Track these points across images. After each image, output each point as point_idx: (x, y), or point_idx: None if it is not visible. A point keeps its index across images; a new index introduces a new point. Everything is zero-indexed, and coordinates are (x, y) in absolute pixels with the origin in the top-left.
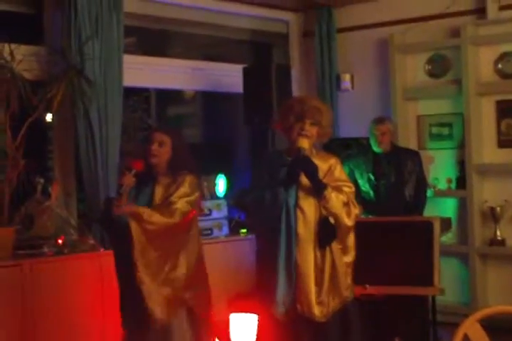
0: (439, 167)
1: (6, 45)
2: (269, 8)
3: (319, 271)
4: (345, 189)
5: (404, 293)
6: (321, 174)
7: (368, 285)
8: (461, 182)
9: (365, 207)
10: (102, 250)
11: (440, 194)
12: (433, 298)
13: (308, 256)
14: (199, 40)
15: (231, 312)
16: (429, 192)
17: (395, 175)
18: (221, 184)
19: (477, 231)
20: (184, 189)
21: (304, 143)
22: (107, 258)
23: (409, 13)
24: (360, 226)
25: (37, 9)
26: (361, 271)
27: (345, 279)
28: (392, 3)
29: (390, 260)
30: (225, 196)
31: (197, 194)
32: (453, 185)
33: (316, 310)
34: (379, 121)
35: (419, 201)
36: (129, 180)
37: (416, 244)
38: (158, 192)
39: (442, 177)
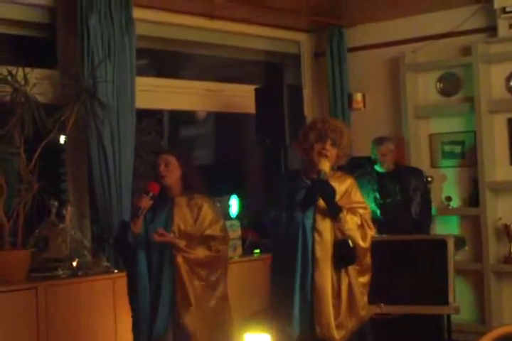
0: (452, 185)
1: (20, 69)
2: (280, 29)
3: (336, 292)
4: (360, 211)
5: (419, 312)
6: (337, 196)
7: (382, 305)
8: (475, 200)
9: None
10: (115, 271)
11: (453, 212)
12: (448, 316)
13: (326, 278)
14: (211, 62)
15: (245, 332)
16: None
17: (400, 193)
18: (234, 204)
19: (491, 249)
20: (209, 216)
21: (325, 166)
22: (121, 280)
23: (420, 32)
24: (373, 245)
25: (50, 33)
26: (376, 290)
27: (362, 299)
28: (402, 22)
29: (405, 279)
30: (238, 216)
31: (222, 219)
32: (466, 203)
33: (336, 333)
34: (379, 142)
35: (425, 218)
36: (147, 203)
37: (430, 263)
38: (179, 213)
39: (455, 195)
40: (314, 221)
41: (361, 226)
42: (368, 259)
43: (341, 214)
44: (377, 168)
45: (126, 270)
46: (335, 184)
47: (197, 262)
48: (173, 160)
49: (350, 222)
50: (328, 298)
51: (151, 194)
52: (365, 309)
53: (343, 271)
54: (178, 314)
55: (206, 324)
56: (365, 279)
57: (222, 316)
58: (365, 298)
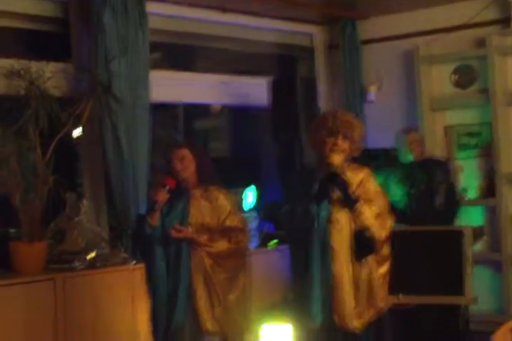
0: (469, 176)
1: (35, 63)
2: (293, 22)
3: (356, 282)
4: (378, 200)
5: (437, 302)
6: (353, 187)
7: (401, 295)
8: (491, 190)
9: (396, 217)
10: (133, 263)
11: (470, 203)
12: (466, 306)
13: (344, 268)
14: (225, 55)
15: (263, 323)
16: None
17: (424, 184)
18: (250, 196)
19: (509, 239)
20: (227, 207)
21: (336, 160)
22: (139, 271)
23: (434, 24)
24: (391, 236)
25: (64, 27)
26: (394, 281)
27: (381, 290)
28: (416, 14)
29: (423, 269)
30: (255, 208)
31: (239, 209)
32: (483, 194)
33: (355, 322)
34: (406, 131)
35: (450, 210)
36: (163, 196)
37: (448, 254)
38: (195, 205)
39: (472, 186)
40: (330, 212)
41: (379, 216)
42: (387, 249)
43: (358, 205)
44: (403, 158)
45: (145, 263)
46: (350, 175)
47: (219, 255)
48: (187, 153)
49: (368, 212)
50: (347, 287)
51: (167, 187)
52: (383, 301)
53: (362, 261)
54: (198, 308)
55: (230, 315)
56: (384, 269)
57: (242, 306)
58: (385, 290)
